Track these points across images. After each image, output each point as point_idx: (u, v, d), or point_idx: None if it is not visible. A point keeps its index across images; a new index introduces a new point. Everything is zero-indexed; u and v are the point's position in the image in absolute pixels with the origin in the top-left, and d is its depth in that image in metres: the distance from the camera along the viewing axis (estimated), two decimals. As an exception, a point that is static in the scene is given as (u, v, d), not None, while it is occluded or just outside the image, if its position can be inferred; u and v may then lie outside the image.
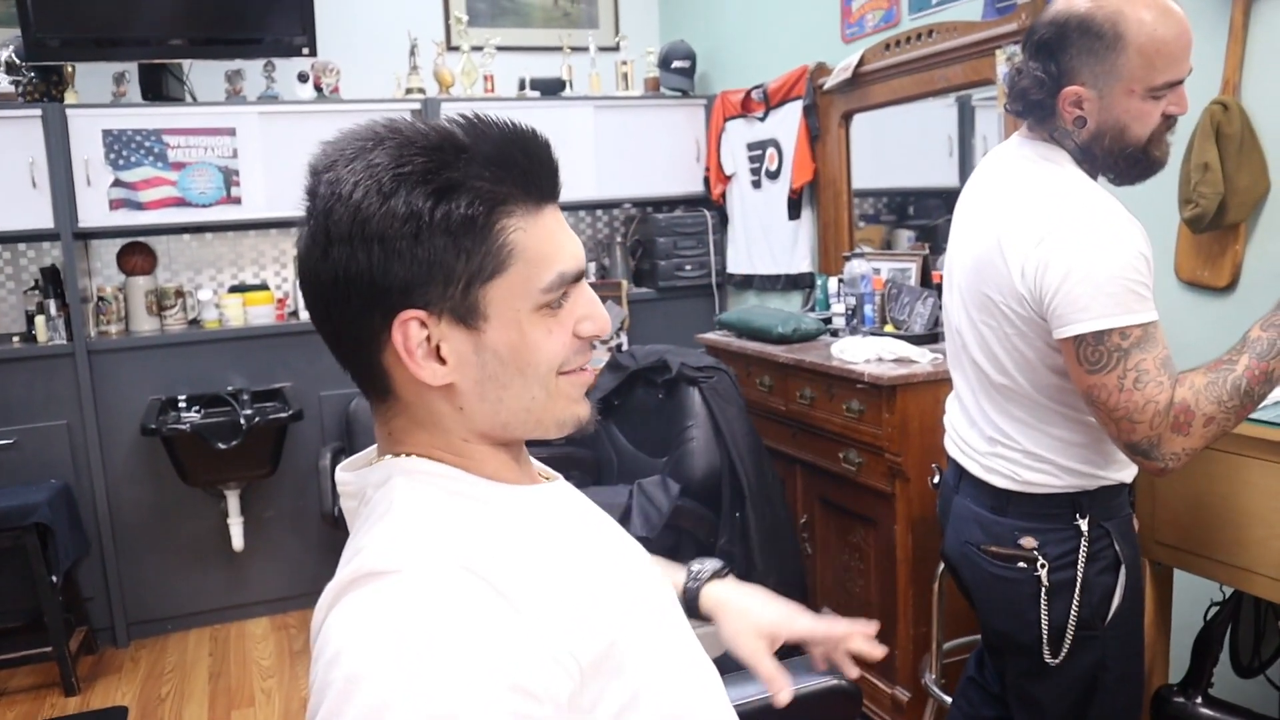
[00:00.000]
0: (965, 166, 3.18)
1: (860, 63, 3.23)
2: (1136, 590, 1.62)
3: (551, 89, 4.15)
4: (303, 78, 3.76)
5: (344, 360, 0.85)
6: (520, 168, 0.80)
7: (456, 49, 4.13)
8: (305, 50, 3.65)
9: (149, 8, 3.50)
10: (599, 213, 4.57)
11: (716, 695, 0.97)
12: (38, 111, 3.40)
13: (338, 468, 0.91)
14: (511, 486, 0.88)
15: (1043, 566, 1.57)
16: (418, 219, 0.76)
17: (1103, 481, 1.57)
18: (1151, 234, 2.34)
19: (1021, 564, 1.59)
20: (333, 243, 0.78)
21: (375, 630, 0.71)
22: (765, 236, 3.93)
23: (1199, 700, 1.82)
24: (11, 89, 3.48)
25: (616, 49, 4.38)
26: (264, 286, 3.92)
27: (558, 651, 0.76)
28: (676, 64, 4.24)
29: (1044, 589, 1.57)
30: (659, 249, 4.22)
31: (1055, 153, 1.55)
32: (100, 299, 3.67)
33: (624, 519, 2.49)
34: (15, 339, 3.62)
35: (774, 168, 3.83)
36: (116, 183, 3.48)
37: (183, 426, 3.37)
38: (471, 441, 0.86)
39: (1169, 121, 1.50)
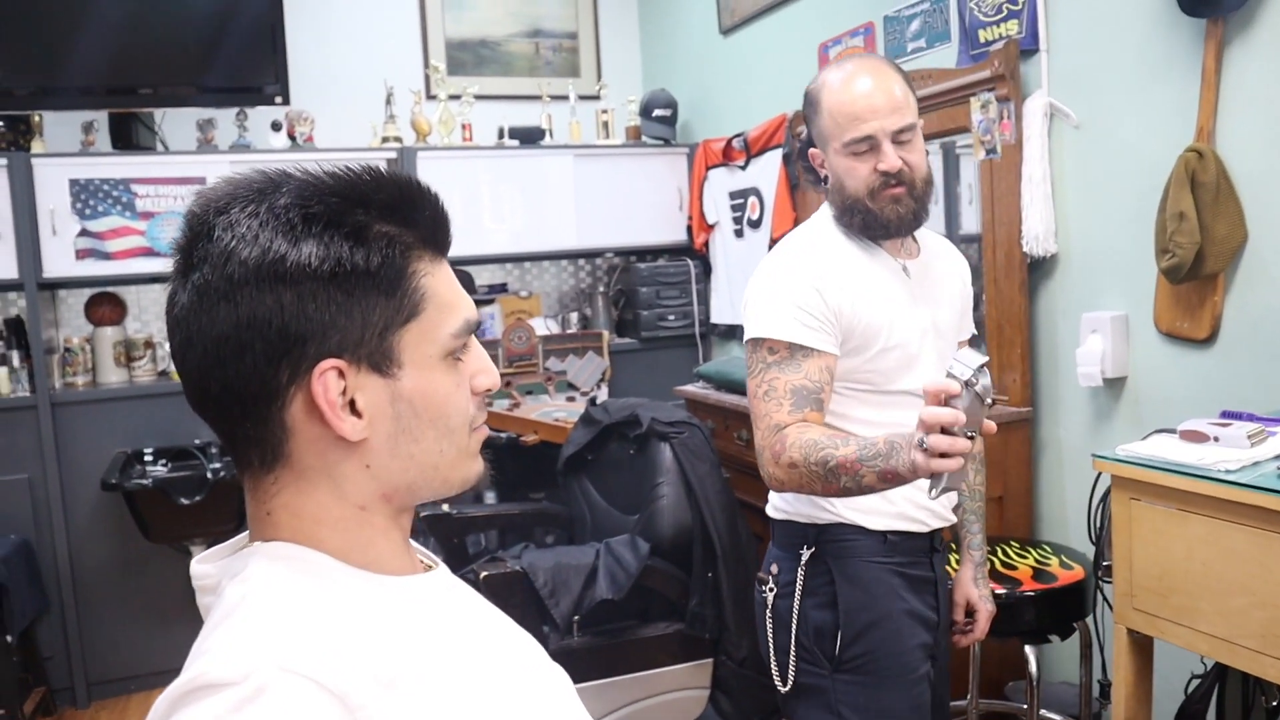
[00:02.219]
0: (951, 213, 3.13)
1: (837, 110, 3.19)
2: (876, 650, 1.60)
3: (531, 137, 4.11)
4: (276, 126, 3.72)
5: (228, 426, 0.77)
6: (422, 217, 0.79)
7: (435, 97, 4.10)
8: (278, 99, 3.62)
9: (119, 57, 3.47)
10: (581, 262, 4.52)
11: None
12: (3, 161, 3.35)
13: (194, 559, 0.82)
14: (388, 578, 0.80)
15: (770, 590, 1.67)
16: (336, 260, 0.73)
17: (834, 518, 1.62)
18: (1129, 285, 2.32)
19: (762, 586, 1.70)
20: (234, 289, 0.72)
21: None
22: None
23: (1184, 779, 1.71)
24: (-23, 138, 3.44)
25: (597, 97, 4.35)
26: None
27: None
28: (658, 112, 4.21)
29: (768, 610, 1.67)
30: (641, 299, 4.16)
31: (826, 208, 1.70)
32: (67, 350, 3.60)
33: (589, 580, 2.39)
34: (-22, 391, 3.54)
35: (755, 216, 3.78)
36: (83, 232, 3.43)
37: (145, 481, 3.28)
38: (370, 509, 0.79)
39: (887, 178, 1.58)
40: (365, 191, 0.76)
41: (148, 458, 3.47)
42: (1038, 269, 2.57)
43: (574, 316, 4.34)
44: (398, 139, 3.92)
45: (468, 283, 4.15)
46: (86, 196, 3.43)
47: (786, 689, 1.65)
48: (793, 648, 1.63)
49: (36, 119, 3.53)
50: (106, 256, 3.46)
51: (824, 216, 1.69)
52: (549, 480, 3.28)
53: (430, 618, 0.81)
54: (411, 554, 0.86)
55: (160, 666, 3.56)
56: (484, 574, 2.31)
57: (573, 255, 4.40)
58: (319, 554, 0.77)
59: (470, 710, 0.75)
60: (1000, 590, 2.02)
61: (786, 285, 1.59)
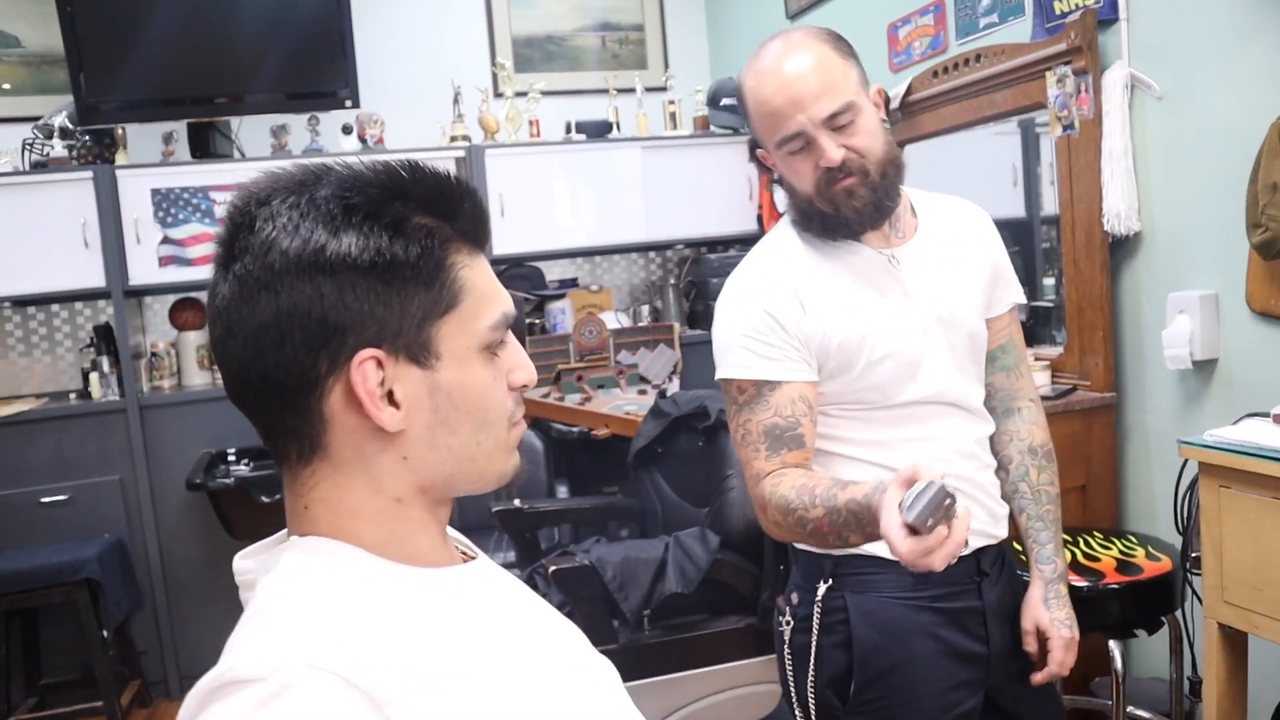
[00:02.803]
0: (1030, 195, 3.03)
1: (908, 92, 3.11)
2: (896, 695, 1.43)
3: (598, 131, 4.10)
4: (346, 130, 3.78)
5: (268, 418, 0.77)
6: (461, 210, 0.79)
7: (502, 95, 4.12)
8: (349, 102, 3.67)
9: (197, 69, 3.56)
10: (651, 255, 4.50)
11: None
12: (89, 174, 3.47)
13: (238, 556, 0.82)
14: (426, 570, 0.80)
15: (788, 624, 1.51)
16: (375, 250, 0.73)
17: (849, 549, 1.42)
18: (1218, 262, 2.20)
19: (779, 616, 1.54)
20: (274, 278, 0.72)
21: None
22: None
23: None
24: (65, 153, 3.56)
25: (664, 88, 4.32)
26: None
27: None
28: (726, 101, 4.16)
29: (785, 646, 1.51)
30: (713, 290, 4.11)
31: (786, 214, 1.51)
32: (153, 354, 3.71)
33: (659, 574, 2.37)
34: (72, 396, 3.68)
35: (825, 203, 3.70)
36: (165, 240, 3.53)
37: (228, 480, 3.37)
38: (406, 501, 0.79)
39: (831, 173, 1.38)
40: (404, 184, 0.76)
41: (231, 457, 3.56)
42: (1120, 248, 2.46)
43: (645, 309, 4.33)
44: (465, 138, 3.95)
45: (537, 279, 4.17)
46: (168, 205, 3.52)
47: None
48: (810, 688, 1.47)
49: (120, 132, 3.64)
50: (188, 263, 3.56)
51: (783, 225, 1.51)
52: (622, 474, 3.27)
53: (468, 610, 0.80)
54: (449, 545, 0.86)
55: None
56: (553, 568, 2.31)
57: (643, 248, 4.38)
58: (353, 548, 0.77)
59: (508, 704, 0.74)
60: (1082, 583, 1.94)
61: (739, 316, 1.43)
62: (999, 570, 1.52)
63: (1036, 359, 2.56)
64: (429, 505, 0.81)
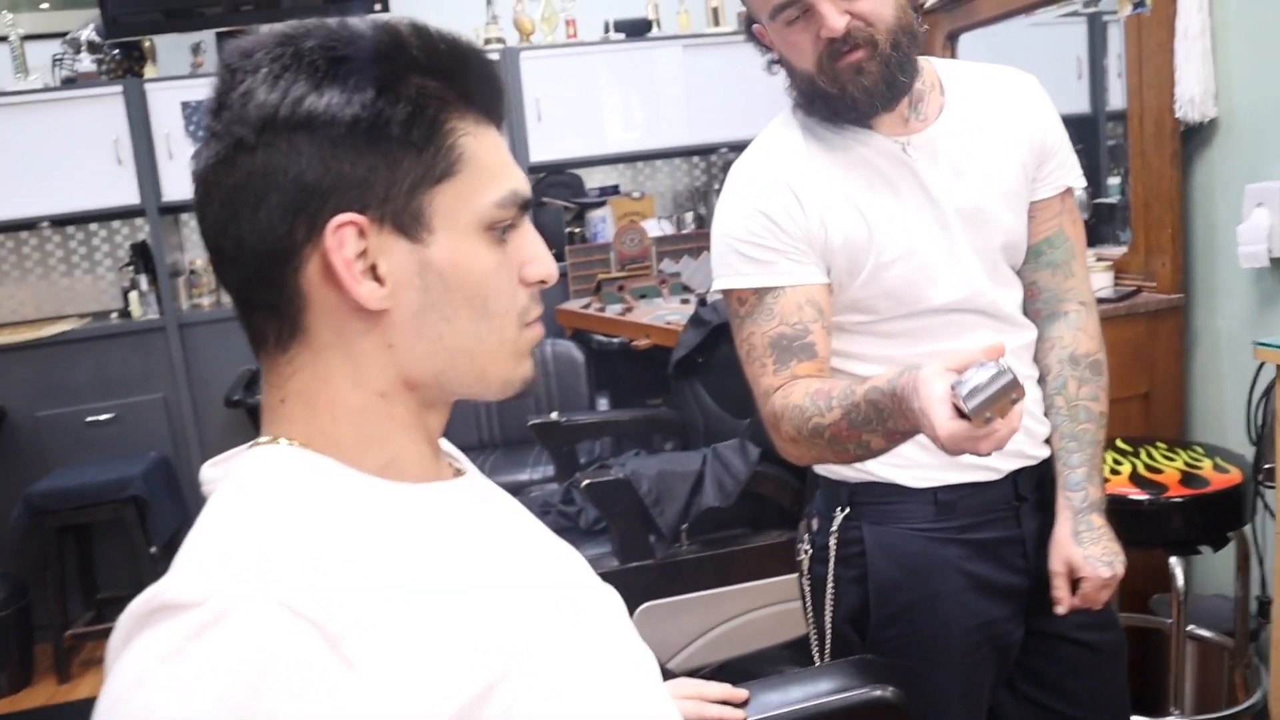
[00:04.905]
0: (1096, 90, 2.83)
1: (964, -27, 2.90)
2: (917, 631, 1.31)
3: (638, 30, 3.93)
4: (376, 35, 3.66)
5: (245, 292, 0.69)
6: (469, 75, 0.71)
7: (536, -6, 3.95)
8: (378, 5, 3.55)
9: (222, -26, 3.46)
10: (695, 159, 4.34)
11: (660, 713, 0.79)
12: (119, 88, 3.41)
13: (206, 464, 0.75)
14: (404, 485, 0.71)
15: (806, 551, 1.41)
16: (360, 105, 0.65)
17: (865, 475, 1.31)
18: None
19: (799, 544, 1.43)
20: (251, 135, 0.65)
21: (161, 691, 0.55)
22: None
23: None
24: (94, 67, 3.49)
25: (707, -17, 4.10)
26: (352, 252, 3.87)
27: (401, 715, 0.59)
28: (771, -6, 3.94)
29: (804, 576, 1.41)
30: (758, 195, 3.96)
31: (788, 100, 1.34)
32: (191, 272, 3.69)
33: (695, 487, 2.30)
34: (114, 315, 3.69)
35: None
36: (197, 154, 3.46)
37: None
38: (390, 397, 0.71)
39: (834, 45, 1.19)
40: (400, 41, 0.68)
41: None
42: (1193, 137, 2.27)
43: (688, 216, 4.20)
44: (500, 40, 3.80)
45: (577, 187, 4.05)
46: (199, 118, 3.44)
47: (822, 663, 1.41)
48: (828, 621, 1.37)
49: (148, 44, 3.56)
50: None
51: (784, 113, 1.34)
52: (664, 386, 3.19)
53: (447, 531, 0.72)
54: (439, 460, 0.77)
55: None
56: (586, 482, 2.24)
57: (685, 152, 4.22)
58: (323, 457, 0.69)
59: (487, 634, 0.65)
60: (1143, 496, 1.82)
61: (731, 219, 1.28)
62: (1041, 495, 1.36)
63: (1098, 259, 2.40)
64: (416, 406, 0.72)
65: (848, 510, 1.34)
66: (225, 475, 0.70)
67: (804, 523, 1.43)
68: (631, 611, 2.32)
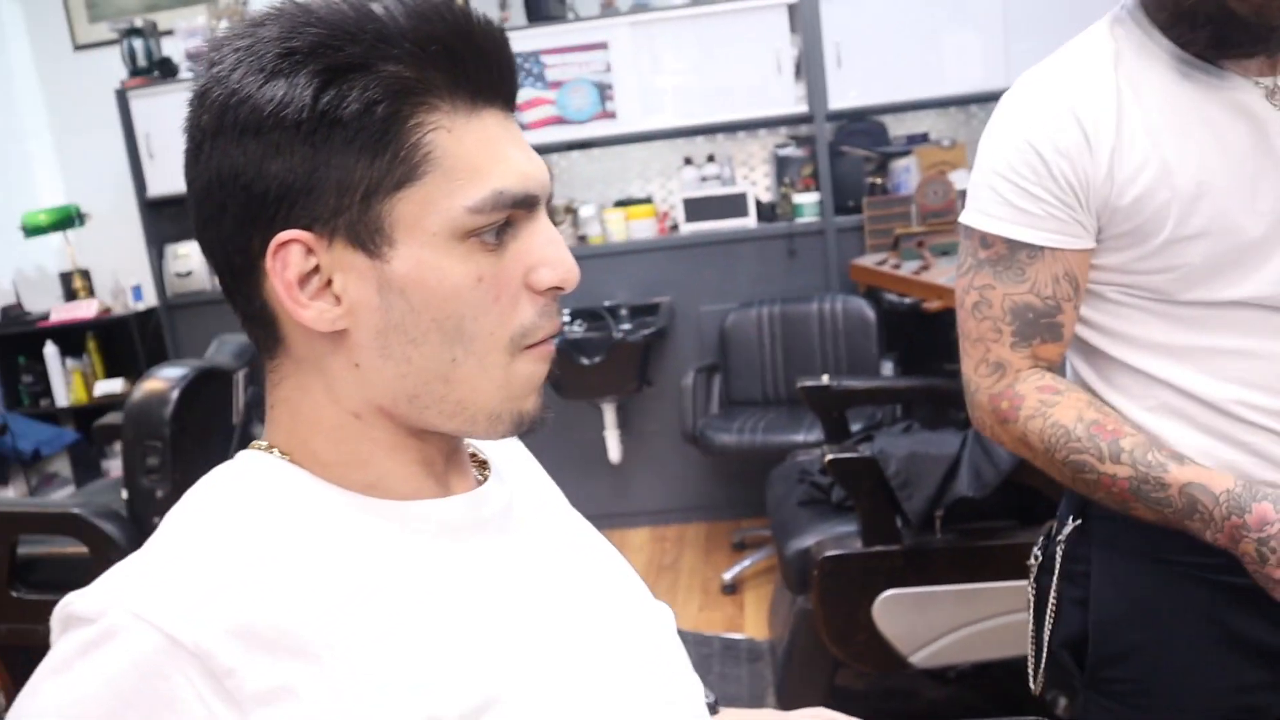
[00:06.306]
0: None
1: None
2: (1150, 683, 1.11)
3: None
4: (679, -16, 3.62)
5: (228, 297, 0.68)
6: (452, 54, 0.62)
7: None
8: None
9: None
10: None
11: None
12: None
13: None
14: (387, 503, 0.66)
15: (1036, 558, 1.23)
16: (299, 105, 0.59)
17: None
18: None
19: (1036, 546, 1.24)
20: (206, 137, 0.62)
21: (43, 701, 0.56)
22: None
23: None
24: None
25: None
26: (647, 200, 3.91)
27: None
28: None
29: (1030, 585, 1.23)
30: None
31: (1123, 8, 1.08)
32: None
33: (950, 473, 2.09)
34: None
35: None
36: (503, 107, 3.63)
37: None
38: (365, 420, 0.66)
39: None
40: (364, 21, 0.60)
41: (565, 318, 3.68)
42: None
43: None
44: (803, -20, 3.63)
45: (879, 134, 3.80)
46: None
47: (1036, 691, 1.22)
48: (1046, 640, 1.20)
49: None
50: (523, 128, 3.64)
51: (1104, 21, 1.09)
52: (955, 352, 2.94)
53: (427, 554, 0.66)
54: (445, 476, 0.71)
55: (583, 511, 3.86)
56: (829, 457, 2.11)
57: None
58: (300, 470, 0.66)
59: (420, 685, 0.60)
60: None
61: (997, 146, 1.07)
62: None
63: None
64: (398, 431, 0.67)
65: (1079, 521, 1.16)
66: (206, 478, 0.68)
67: (1050, 523, 1.25)
68: (873, 600, 2.18)
